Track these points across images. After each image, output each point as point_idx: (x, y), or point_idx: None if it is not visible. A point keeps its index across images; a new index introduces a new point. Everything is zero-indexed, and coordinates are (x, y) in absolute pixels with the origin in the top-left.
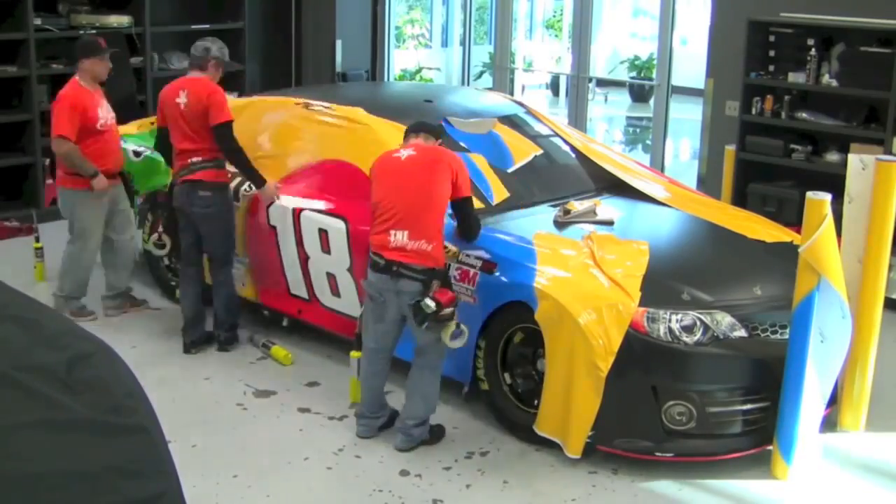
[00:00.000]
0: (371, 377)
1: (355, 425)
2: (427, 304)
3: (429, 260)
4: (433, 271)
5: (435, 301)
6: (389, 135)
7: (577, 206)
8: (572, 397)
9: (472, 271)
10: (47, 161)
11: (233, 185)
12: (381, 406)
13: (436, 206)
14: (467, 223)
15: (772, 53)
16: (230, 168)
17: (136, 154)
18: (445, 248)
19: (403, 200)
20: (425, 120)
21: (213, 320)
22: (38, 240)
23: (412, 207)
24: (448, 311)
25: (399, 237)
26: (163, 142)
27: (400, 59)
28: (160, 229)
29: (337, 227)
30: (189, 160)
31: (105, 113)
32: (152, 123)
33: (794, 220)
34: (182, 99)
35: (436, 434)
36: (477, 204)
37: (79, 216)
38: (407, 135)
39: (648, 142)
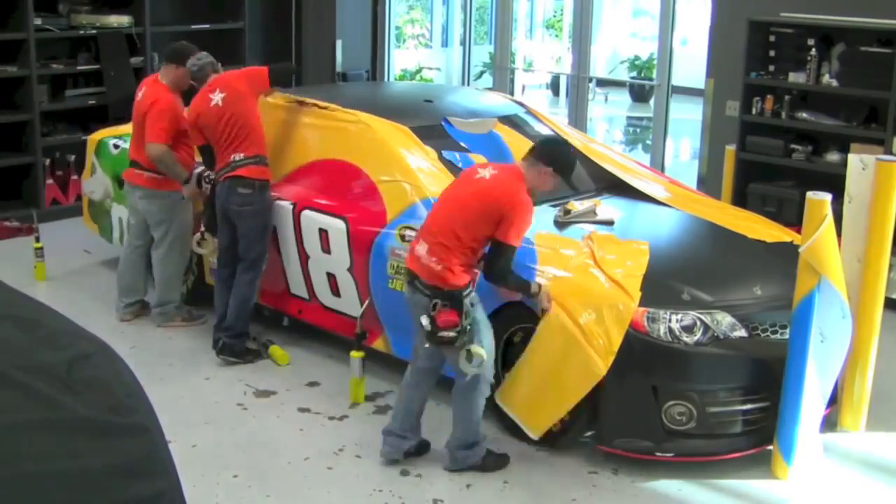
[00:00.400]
0: (405, 389)
1: (383, 443)
2: (423, 322)
3: (435, 278)
4: (439, 291)
5: (431, 321)
6: (389, 134)
7: (577, 206)
8: (552, 384)
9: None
10: (48, 161)
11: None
12: (412, 428)
13: (465, 236)
14: (492, 266)
15: (772, 53)
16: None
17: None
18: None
19: (441, 216)
20: (552, 138)
21: (219, 321)
22: (38, 240)
23: (443, 227)
24: (447, 334)
25: (421, 249)
26: (209, 157)
27: (400, 60)
28: (202, 228)
29: (337, 226)
30: (230, 158)
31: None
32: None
33: (794, 220)
34: (217, 97)
35: (492, 462)
36: None
37: (181, 219)
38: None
39: (648, 142)
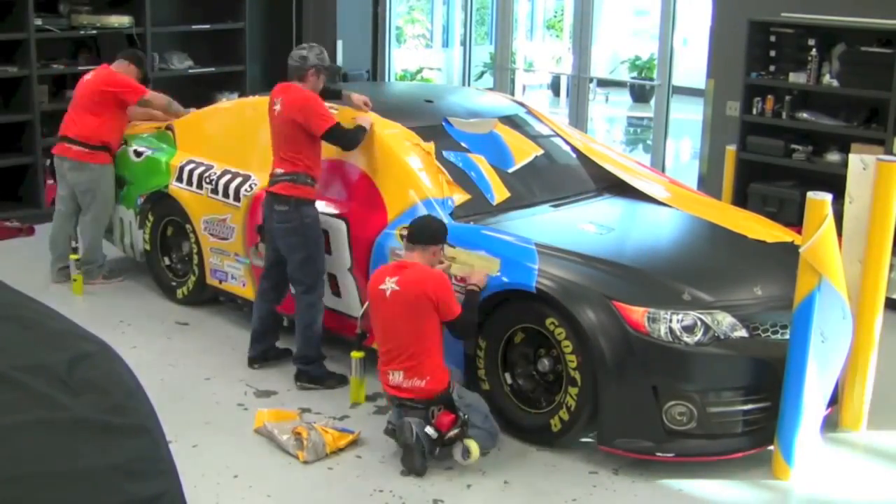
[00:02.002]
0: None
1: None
2: (428, 434)
3: (424, 393)
4: (431, 401)
5: (436, 429)
6: (390, 135)
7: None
8: None
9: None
10: (48, 161)
11: (234, 184)
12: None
13: (426, 343)
14: (462, 334)
15: (772, 53)
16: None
17: (137, 154)
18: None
19: (394, 341)
20: (424, 220)
21: (253, 335)
22: (76, 251)
23: (404, 349)
24: (453, 432)
25: (396, 377)
26: None
27: (400, 60)
28: (259, 240)
29: (338, 227)
30: (274, 171)
31: None
32: (158, 129)
33: (794, 220)
34: (277, 106)
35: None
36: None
37: (105, 188)
38: (406, 244)
39: (649, 142)
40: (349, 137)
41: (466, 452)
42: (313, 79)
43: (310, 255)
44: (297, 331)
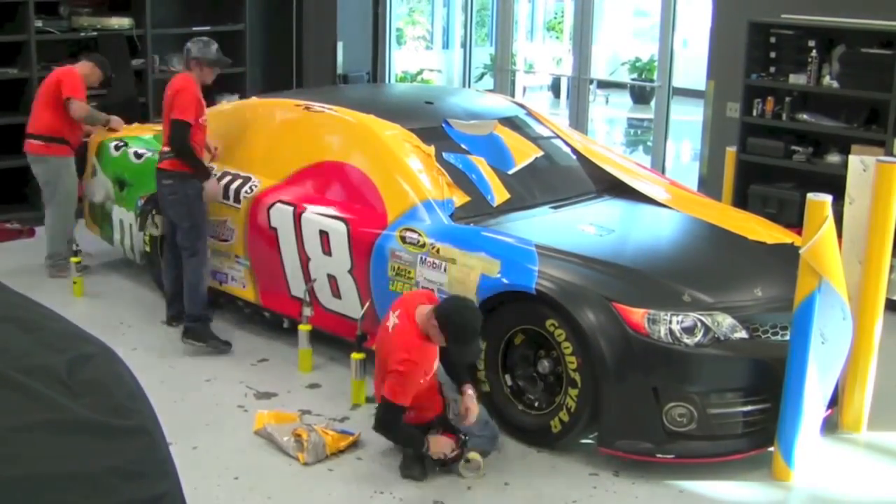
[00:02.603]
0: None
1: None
2: (429, 457)
3: (420, 420)
4: (429, 425)
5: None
6: (390, 136)
7: None
8: None
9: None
10: None
11: (234, 186)
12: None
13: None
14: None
15: (773, 55)
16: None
17: (138, 156)
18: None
19: (385, 369)
20: (456, 300)
21: (168, 300)
22: (77, 254)
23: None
24: (454, 454)
25: None
26: None
27: (401, 61)
28: (153, 213)
29: (338, 228)
30: (162, 148)
31: None
32: (157, 131)
33: (794, 221)
34: (169, 91)
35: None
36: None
37: (65, 181)
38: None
39: (649, 143)
40: (181, 140)
41: (475, 465)
42: (196, 69)
43: (195, 223)
44: (185, 291)
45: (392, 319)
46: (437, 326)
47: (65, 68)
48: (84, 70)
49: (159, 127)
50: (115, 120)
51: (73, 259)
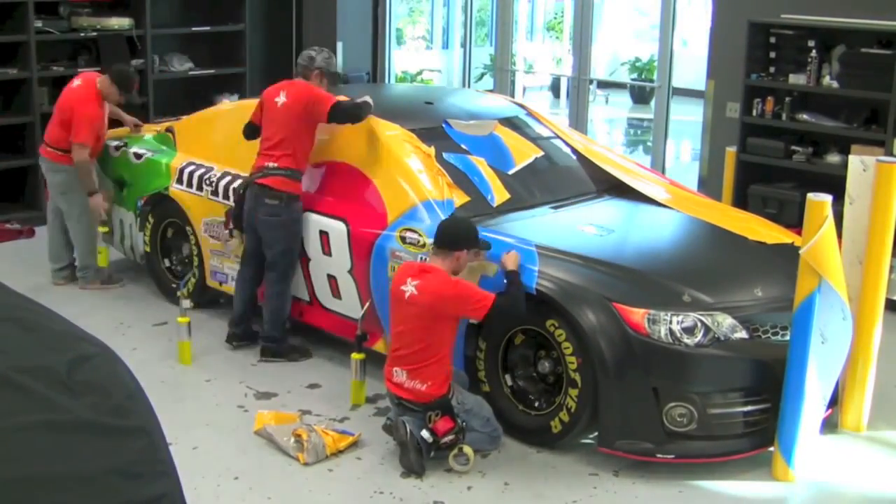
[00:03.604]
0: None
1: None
2: (424, 437)
3: (423, 397)
4: (429, 405)
5: (432, 433)
6: (390, 136)
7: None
8: None
9: None
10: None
11: (234, 186)
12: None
13: (438, 351)
14: (510, 312)
15: (772, 55)
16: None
17: (137, 156)
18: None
19: (407, 343)
20: (448, 222)
21: (234, 318)
22: (106, 225)
23: (414, 352)
24: (449, 438)
25: (400, 375)
26: (250, 135)
27: (401, 61)
28: (230, 225)
29: (338, 228)
30: (265, 164)
31: None
32: (158, 131)
33: (794, 221)
34: (281, 98)
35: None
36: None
37: (82, 192)
38: (432, 248)
39: (649, 143)
40: (353, 111)
41: (464, 459)
42: (316, 80)
43: (290, 247)
44: (267, 314)
45: (409, 286)
46: (455, 250)
47: (83, 86)
48: (102, 86)
49: (159, 127)
50: (95, 202)
51: (101, 263)
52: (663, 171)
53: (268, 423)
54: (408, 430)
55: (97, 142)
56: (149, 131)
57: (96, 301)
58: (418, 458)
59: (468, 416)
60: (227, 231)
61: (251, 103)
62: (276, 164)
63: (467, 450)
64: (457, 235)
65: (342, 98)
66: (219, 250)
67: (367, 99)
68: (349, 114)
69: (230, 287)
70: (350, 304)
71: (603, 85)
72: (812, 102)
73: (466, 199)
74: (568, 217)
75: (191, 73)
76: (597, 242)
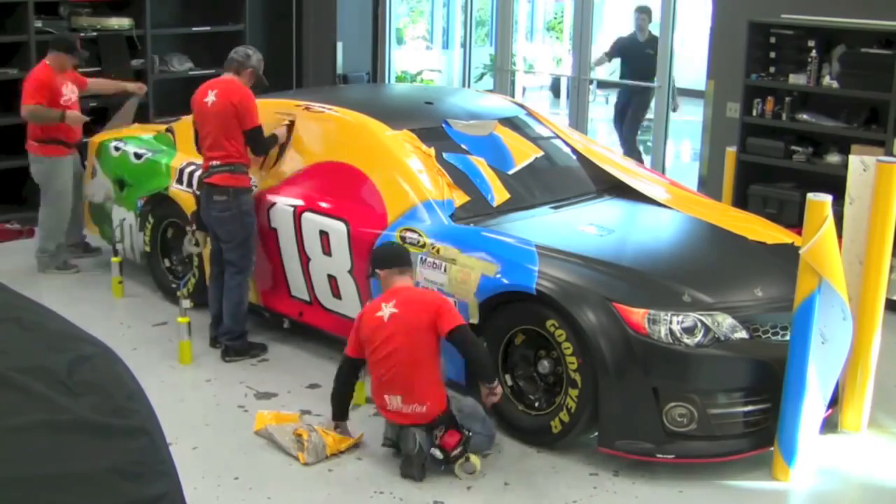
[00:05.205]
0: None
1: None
2: (434, 456)
3: (425, 417)
4: (433, 423)
5: (441, 450)
6: (390, 137)
7: None
8: None
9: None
10: None
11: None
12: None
13: (425, 365)
14: (472, 357)
15: (772, 55)
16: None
17: (137, 156)
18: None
19: (394, 366)
20: (390, 247)
21: (213, 320)
22: (116, 253)
23: (403, 374)
24: (458, 451)
25: (394, 402)
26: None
27: (401, 61)
28: (193, 227)
29: (338, 228)
30: (210, 163)
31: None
32: (158, 131)
33: (794, 221)
34: (210, 98)
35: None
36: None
37: (56, 181)
38: (387, 272)
39: (649, 143)
40: (263, 143)
41: (470, 467)
42: (246, 78)
43: (244, 238)
44: (226, 308)
45: (386, 310)
46: (384, 267)
47: (36, 67)
48: (51, 61)
49: (159, 127)
50: (72, 116)
51: (114, 259)
52: (663, 171)
53: (269, 422)
54: (417, 442)
55: (56, 105)
56: (150, 131)
57: (96, 301)
58: (421, 471)
59: (468, 421)
60: (191, 234)
61: None
62: (218, 162)
63: (474, 459)
64: (403, 251)
65: (260, 125)
66: None
67: (278, 132)
68: (260, 144)
69: None
70: (350, 305)
71: (603, 85)
72: (812, 102)
73: (466, 198)
74: (568, 217)
75: (191, 73)
76: (597, 242)
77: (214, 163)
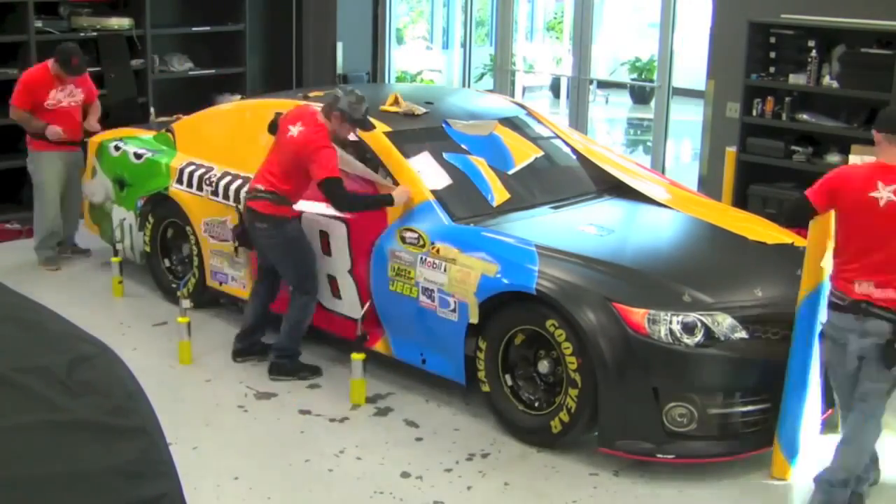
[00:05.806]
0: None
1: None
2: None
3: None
4: None
5: None
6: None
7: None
8: None
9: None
10: None
11: (234, 186)
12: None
13: None
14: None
15: (772, 55)
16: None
17: (137, 156)
18: None
19: (884, 253)
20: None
21: (243, 331)
22: (116, 253)
23: (886, 259)
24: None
25: (866, 286)
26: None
27: (401, 61)
28: (236, 244)
29: (338, 229)
30: (256, 185)
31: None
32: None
33: None
34: (292, 131)
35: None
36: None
37: (36, 174)
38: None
39: (649, 143)
40: (342, 198)
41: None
42: (336, 121)
43: (296, 262)
44: (285, 325)
45: (883, 192)
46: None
47: (36, 65)
48: (51, 65)
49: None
50: (51, 130)
51: (114, 259)
52: (663, 171)
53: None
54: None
55: (40, 107)
56: (149, 132)
57: (96, 301)
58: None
59: None
60: (234, 249)
61: (251, 103)
62: (263, 188)
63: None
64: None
65: (337, 176)
66: (219, 250)
67: (396, 197)
68: (339, 198)
69: (230, 287)
70: (350, 305)
71: (603, 85)
72: (812, 102)
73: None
74: (568, 217)
75: (191, 73)
76: (597, 242)
77: (259, 186)
